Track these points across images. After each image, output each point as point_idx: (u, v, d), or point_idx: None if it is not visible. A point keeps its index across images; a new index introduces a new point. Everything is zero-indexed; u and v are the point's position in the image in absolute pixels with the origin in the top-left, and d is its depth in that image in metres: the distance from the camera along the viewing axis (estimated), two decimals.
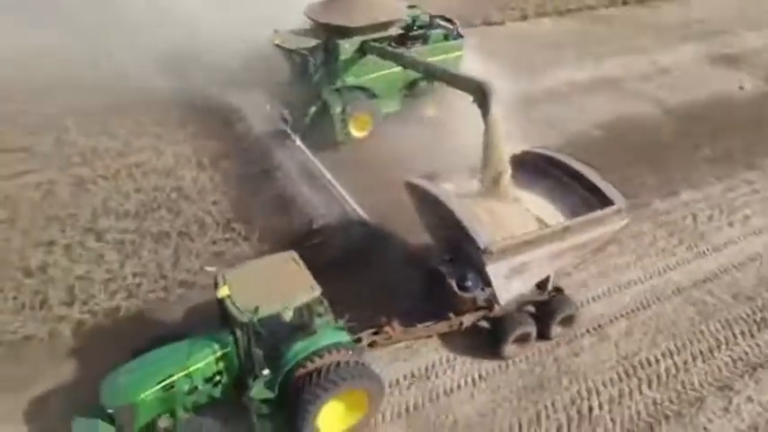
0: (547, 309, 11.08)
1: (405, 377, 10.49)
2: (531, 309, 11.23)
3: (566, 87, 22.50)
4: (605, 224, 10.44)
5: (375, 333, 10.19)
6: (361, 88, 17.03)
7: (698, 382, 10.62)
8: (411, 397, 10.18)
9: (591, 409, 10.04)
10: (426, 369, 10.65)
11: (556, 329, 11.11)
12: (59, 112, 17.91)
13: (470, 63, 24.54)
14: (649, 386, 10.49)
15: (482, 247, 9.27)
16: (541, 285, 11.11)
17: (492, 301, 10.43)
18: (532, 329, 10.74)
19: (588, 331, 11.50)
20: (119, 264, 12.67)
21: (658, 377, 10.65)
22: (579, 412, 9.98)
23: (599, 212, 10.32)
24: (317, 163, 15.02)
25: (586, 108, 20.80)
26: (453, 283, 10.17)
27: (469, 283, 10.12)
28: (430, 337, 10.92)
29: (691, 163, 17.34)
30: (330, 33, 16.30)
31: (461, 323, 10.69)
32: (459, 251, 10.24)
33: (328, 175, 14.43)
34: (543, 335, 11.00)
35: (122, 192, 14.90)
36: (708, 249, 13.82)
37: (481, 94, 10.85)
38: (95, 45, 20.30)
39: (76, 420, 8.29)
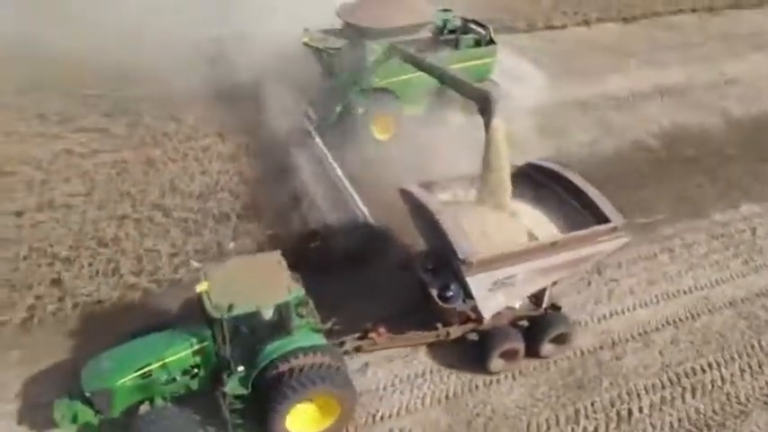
0: (539, 325, 10.84)
1: (445, 366, 10.81)
2: (525, 323, 11.02)
3: (626, 94, 22.15)
4: (598, 242, 10.18)
5: (360, 338, 10.16)
6: (388, 90, 16.90)
7: (744, 395, 10.48)
8: (451, 385, 10.50)
9: (631, 412, 10.09)
10: (466, 360, 10.87)
11: (547, 347, 10.84)
12: (134, 96, 18.97)
13: (530, 66, 24.70)
14: (693, 395, 10.43)
15: (462, 257, 9.14)
16: (538, 301, 10.92)
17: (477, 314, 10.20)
18: (520, 346, 10.52)
19: (633, 337, 11.49)
20: (182, 240, 13.46)
21: (703, 387, 10.58)
22: (619, 414, 10.05)
23: (591, 229, 10.09)
24: (333, 163, 15.11)
25: (647, 116, 20.46)
26: (434, 293, 9.99)
27: (451, 294, 9.89)
28: (417, 345, 10.91)
29: (753, 176, 16.88)
30: (358, 34, 16.33)
31: (448, 334, 10.61)
32: (444, 261, 10.07)
33: (342, 176, 14.59)
34: (534, 352, 10.76)
35: (189, 173, 15.76)
36: (764, 264, 13.49)
37: (484, 103, 10.72)
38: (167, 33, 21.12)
39: (58, 402, 8.62)
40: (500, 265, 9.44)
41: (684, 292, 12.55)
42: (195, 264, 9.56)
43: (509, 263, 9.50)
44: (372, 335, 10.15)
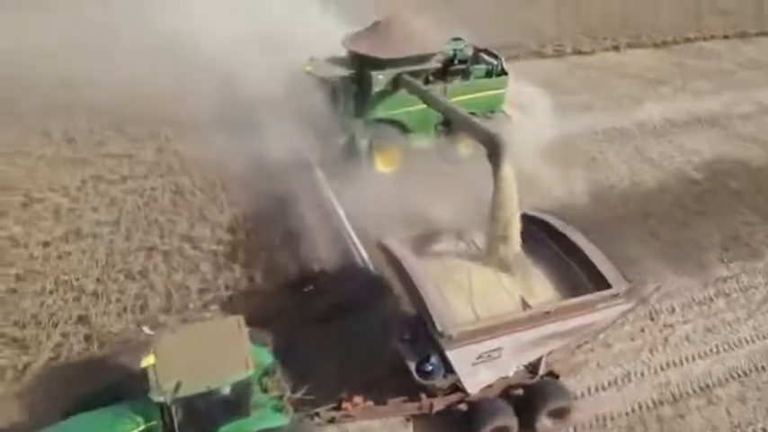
0: (535, 397, 9.68)
1: None
2: (519, 392, 9.87)
3: (661, 122, 21.57)
4: (599, 310, 9.17)
5: (335, 409, 9.14)
6: (393, 122, 16.27)
7: None
8: None
9: None
10: None
11: (544, 422, 9.69)
12: (160, 120, 18.63)
13: (561, 93, 24.17)
14: None
15: (440, 330, 8.23)
16: (533, 368, 9.89)
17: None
18: (512, 422, 9.36)
19: (694, 391, 10.75)
20: (212, 275, 12.96)
21: None
22: None
23: (589, 297, 9.09)
24: (333, 200, 14.29)
25: (684, 146, 19.84)
26: (412, 367, 8.98)
27: (430, 368, 8.92)
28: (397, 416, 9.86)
29: None
30: (363, 64, 15.62)
31: (432, 406, 9.53)
32: (424, 329, 9.01)
33: (342, 215, 13.72)
34: (529, 426, 9.58)
35: (217, 203, 15.32)
36: None
37: (493, 148, 10.02)
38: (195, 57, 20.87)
39: None
40: (485, 338, 8.50)
41: (746, 342, 11.81)
42: (148, 331, 8.61)
43: (495, 335, 8.55)
44: (347, 405, 9.12)
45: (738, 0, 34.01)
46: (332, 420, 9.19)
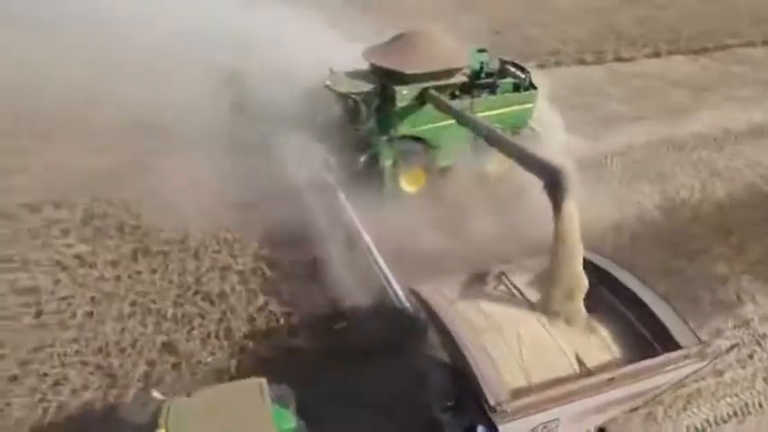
0: None
1: None
2: None
3: (719, 133, 21.07)
4: (666, 372, 8.30)
5: None
6: (417, 138, 15.39)
7: None
8: None
9: None
10: None
11: None
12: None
13: (607, 101, 23.77)
14: None
15: (492, 404, 7.40)
16: None
17: None
18: None
19: None
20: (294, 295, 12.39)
21: None
22: None
23: (658, 360, 8.20)
24: (359, 226, 13.34)
25: (748, 157, 19.36)
26: None
27: None
28: None
29: None
30: (387, 78, 14.85)
31: None
32: (467, 392, 8.21)
33: (370, 243, 12.74)
34: None
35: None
36: None
37: (553, 180, 8.87)
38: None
39: None
40: (541, 409, 7.63)
41: None
42: (157, 395, 8.02)
43: (553, 405, 7.67)
44: None
45: None
46: None
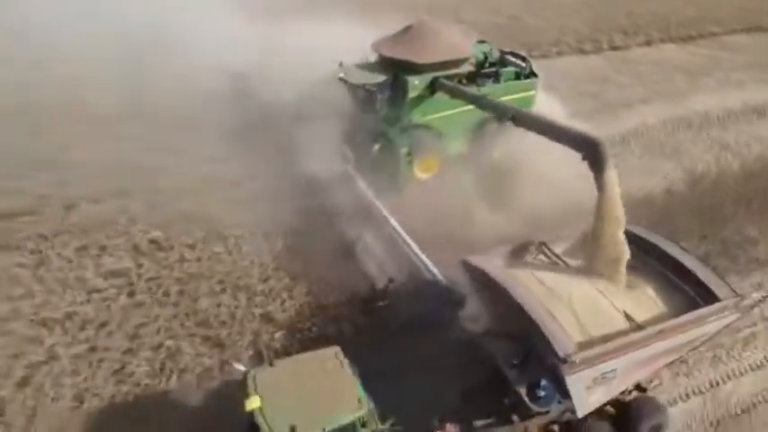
0: (630, 414, 9.36)
1: None
2: (611, 410, 9.54)
3: (718, 112, 22.55)
4: (708, 323, 9.06)
5: None
6: (429, 127, 15.86)
7: None
8: None
9: None
10: None
11: None
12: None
13: (612, 87, 25.12)
14: None
15: (562, 356, 7.89)
16: None
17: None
18: None
19: None
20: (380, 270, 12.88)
21: None
22: None
23: (702, 311, 8.89)
24: (383, 210, 13.87)
25: (754, 133, 20.85)
26: (524, 394, 8.60)
27: (543, 394, 8.53)
28: None
29: None
30: (398, 69, 15.28)
31: (526, 429, 9.01)
32: (530, 351, 8.80)
33: (397, 226, 13.24)
34: None
35: None
36: None
37: (593, 152, 9.46)
38: None
39: None
40: (602, 360, 8.24)
41: None
42: (239, 367, 8.28)
43: (613, 357, 8.30)
44: None
45: None
46: None
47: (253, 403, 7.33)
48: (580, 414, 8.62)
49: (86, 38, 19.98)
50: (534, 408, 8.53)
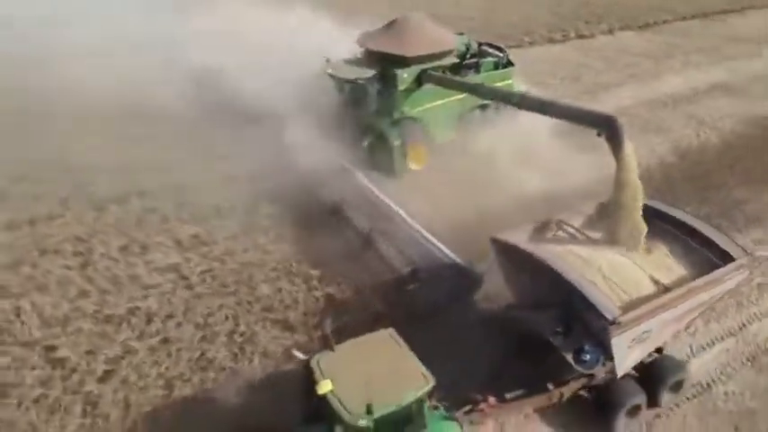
0: (653, 373, 9.95)
1: None
2: (634, 373, 9.98)
3: (686, 92, 24.43)
4: (726, 281, 9.73)
5: (468, 412, 8.72)
6: (417, 119, 16.43)
7: None
8: None
9: None
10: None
11: (665, 396, 10.06)
12: None
13: (587, 72, 26.70)
14: None
15: (611, 318, 8.35)
16: None
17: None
18: (643, 399, 9.67)
19: None
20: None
21: None
22: None
23: (721, 271, 9.53)
24: (387, 200, 14.36)
25: (719, 109, 22.69)
26: (570, 359, 8.98)
27: (588, 357, 8.93)
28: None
29: None
30: (387, 63, 15.69)
31: (562, 395, 9.46)
32: (571, 318, 9.24)
33: (404, 214, 13.72)
34: (652, 403, 9.87)
35: None
36: None
37: (609, 128, 10.10)
38: None
39: None
40: (641, 321, 8.73)
41: None
42: (299, 355, 8.41)
43: (649, 317, 8.80)
44: (482, 406, 8.79)
45: None
46: (470, 422, 8.77)
47: (324, 387, 7.42)
48: (620, 373, 9.18)
49: (81, 37, 19.79)
50: (582, 371, 9.02)
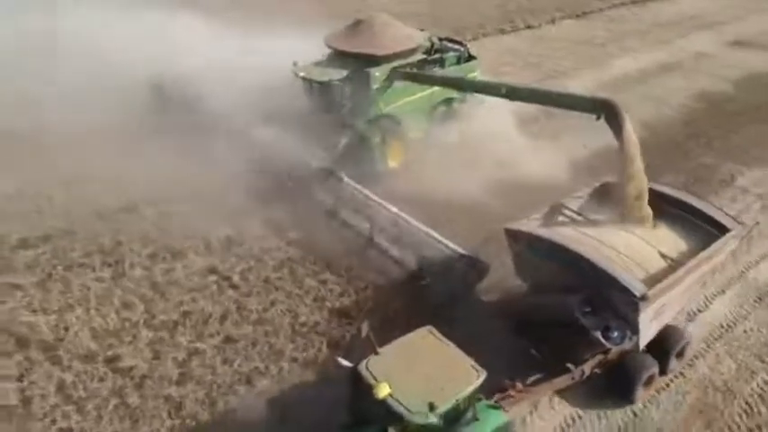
0: (661, 344, 10.36)
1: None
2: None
3: (637, 74, 26.49)
4: (723, 251, 10.32)
5: (500, 399, 8.95)
6: (391, 116, 16.57)
7: None
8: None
9: None
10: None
11: (672, 364, 10.73)
12: None
13: (545, 60, 28.29)
14: None
15: (639, 294, 8.69)
16: None
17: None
18: (656, 369, 10.30)
19: None
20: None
21: None
22: None
23: (721, 241, 10.01)
24: (376, 200, 14.15)
25: (670, 87, 24.84)
26: (599, 336, 9.40)
27: (616, 334, 9.45)
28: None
29: None
30: (358, 62, 15.82)
31: (583, 372, 9.90)
32: (596, 298, 9.53)
33: (398, 212, 13.52)
34: (662, 371, 10.53)
35: None
36: None
37: (608, 111, 10.46)
38: None
39: None
40: (661, 295, 9.06)
41: None
42: (344, 363, 8.24)
43: (668, 290, 9.14)
44: (512, 391, 9.12)
45: None
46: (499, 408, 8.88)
47: (383, 390, 7.35)
48: (642, 345, 9.65)
49: (50, 55, 18.93)
50: (612, 347, 9.58)
